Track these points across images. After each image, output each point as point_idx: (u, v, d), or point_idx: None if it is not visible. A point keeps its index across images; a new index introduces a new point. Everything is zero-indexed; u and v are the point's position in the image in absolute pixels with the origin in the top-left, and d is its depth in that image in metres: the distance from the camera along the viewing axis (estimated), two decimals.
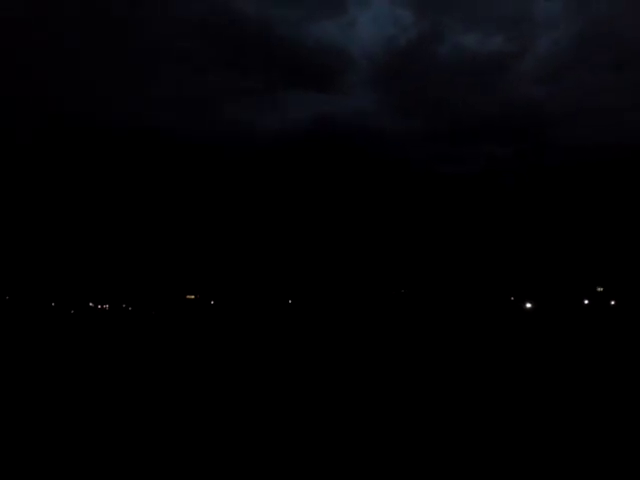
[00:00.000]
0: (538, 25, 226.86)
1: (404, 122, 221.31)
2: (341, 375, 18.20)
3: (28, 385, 17.07)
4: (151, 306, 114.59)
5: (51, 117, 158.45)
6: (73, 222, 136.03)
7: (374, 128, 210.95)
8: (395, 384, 16.25)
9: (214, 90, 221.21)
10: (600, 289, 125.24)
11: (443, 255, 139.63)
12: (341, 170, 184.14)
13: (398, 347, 28.75)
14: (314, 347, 29.51)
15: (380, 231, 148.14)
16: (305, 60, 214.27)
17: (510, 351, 25.91)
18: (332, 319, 69.37)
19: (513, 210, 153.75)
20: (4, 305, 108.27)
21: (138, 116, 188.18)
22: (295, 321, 65.13)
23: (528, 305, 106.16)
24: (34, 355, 26.87)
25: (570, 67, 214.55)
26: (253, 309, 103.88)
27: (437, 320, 62.80)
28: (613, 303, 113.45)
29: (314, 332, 43.93)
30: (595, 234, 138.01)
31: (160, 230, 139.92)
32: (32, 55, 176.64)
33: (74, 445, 10.05)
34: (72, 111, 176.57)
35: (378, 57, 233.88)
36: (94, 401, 14.17)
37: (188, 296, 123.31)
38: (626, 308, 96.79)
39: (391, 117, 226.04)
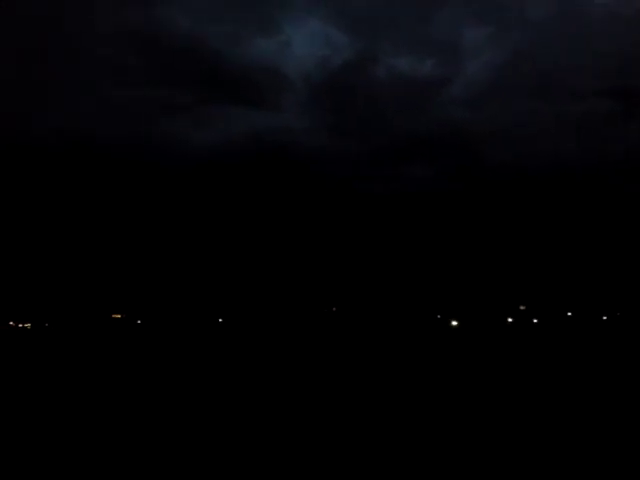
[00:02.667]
0: (466, 51, 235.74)
1: (336, 140, 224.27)
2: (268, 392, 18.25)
3: None
4: (75, 324, 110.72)
5: None
6: None
7: (306, 145, 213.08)
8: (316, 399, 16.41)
9: (148, 105, 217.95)
10: (523, 307, 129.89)
11: (369, 273, 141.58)
12: (273, 185, 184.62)
13: (325, 364, 28.96)
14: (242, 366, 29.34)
15: (305, 247, 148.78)
16: (240, 77, 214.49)
17: (433, 367, 26.56)
18: (263, 337, 69.05)
19: (438, 229, 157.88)
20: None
21: (72, 132, 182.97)
22: (226, 340, 64.48)
23: (454, 323, 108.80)
24: None
25: (493, 92, 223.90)
26: (183, 327, 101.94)
27: (365, 337, 63.50)
28: (535, 321, 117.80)
29: (244, 351, 43.64)
30: (518, 253, 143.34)
31: (92, 247, 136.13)
32: None
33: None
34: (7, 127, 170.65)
35: (313, 76, 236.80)
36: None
37: (114, 315, 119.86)
38: (547, 325, 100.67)
39: (324, 135, 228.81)
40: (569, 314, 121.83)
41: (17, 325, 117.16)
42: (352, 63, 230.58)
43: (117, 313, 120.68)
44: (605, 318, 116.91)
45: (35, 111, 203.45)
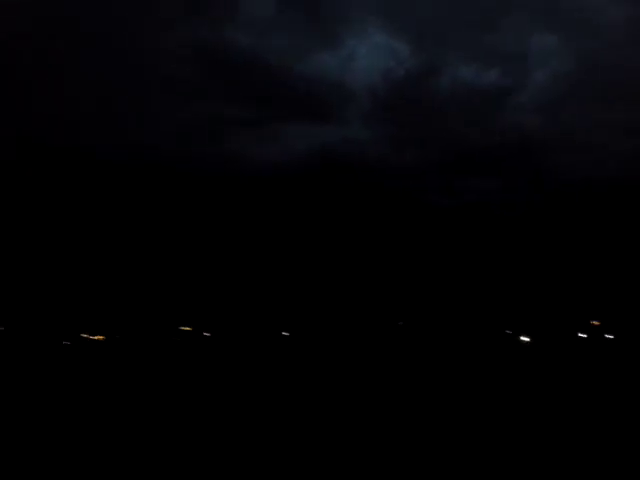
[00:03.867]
0: (532, 59, 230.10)
1: (402, 152, 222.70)
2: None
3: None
4: (146, 336, 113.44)
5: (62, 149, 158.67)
6: (58, 247, 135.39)
7: (371, 159, 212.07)
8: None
9: (212, 121, 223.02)
10: (596, 322, 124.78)
11: (439, 287, 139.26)
12: (338, 199, 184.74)
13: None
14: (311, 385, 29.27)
15: (377, 261, 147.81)
16: (304, 92, 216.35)
17: (507, 384, 25.86)
18: (331, 352, 68.98)
19: (508, 242, 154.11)
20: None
21: (137, 149, 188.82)
22: (292, 355, 64.81)
23: (524, 338, 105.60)
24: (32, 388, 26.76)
25: (561, 100, 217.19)
26: (247, 342, 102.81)
27: (434, 354, 62.55)
28: (609, 337, 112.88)
29: (311, 368, 43.65)
30: (589, 267, 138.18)
31: (160, 259, 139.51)
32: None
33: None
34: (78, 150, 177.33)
35: (377, 89, 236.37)
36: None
37: (183, 327, 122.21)
38: (622, 342, 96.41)
39: (388, 148, 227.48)
40: None
41: (90, 337, 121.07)
42: (416, 74, 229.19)
43: (185, 326, 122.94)
44: None
45: (110, 129, 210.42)
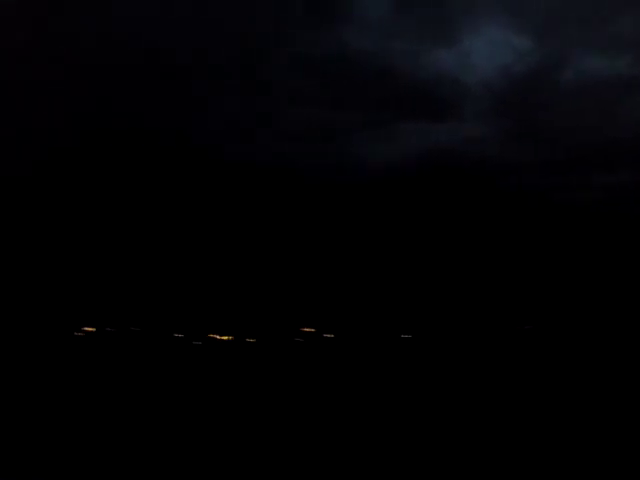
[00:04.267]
0: None
1: (521, 150, 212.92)
2: None
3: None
4: (270, 337, 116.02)
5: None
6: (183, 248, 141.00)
7: (489, 156, 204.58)
8: None
9: (326, 125, 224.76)
10: None
11: (563, 292, 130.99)
12: (454, 198, 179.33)
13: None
14: None
15: (496, 263, 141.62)
16: (419, 91, 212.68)
17: None
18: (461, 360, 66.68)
19: (637, 240, 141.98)
20: (130, 337, 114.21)
21: (250, 154, 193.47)
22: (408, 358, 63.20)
23: None
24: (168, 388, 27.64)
25: None
26: (370, 342, 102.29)
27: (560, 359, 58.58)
28: None
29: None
30: None
31: (277, 261, 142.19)
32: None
33: None
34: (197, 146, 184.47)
35: (494, 85, 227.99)
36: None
37: (305, 329, 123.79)
38: None
39: (507, 145, 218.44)
40: None
41: (218, 337, 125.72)
42: (537, 68, 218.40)
43: (307, 327, 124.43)
44: None
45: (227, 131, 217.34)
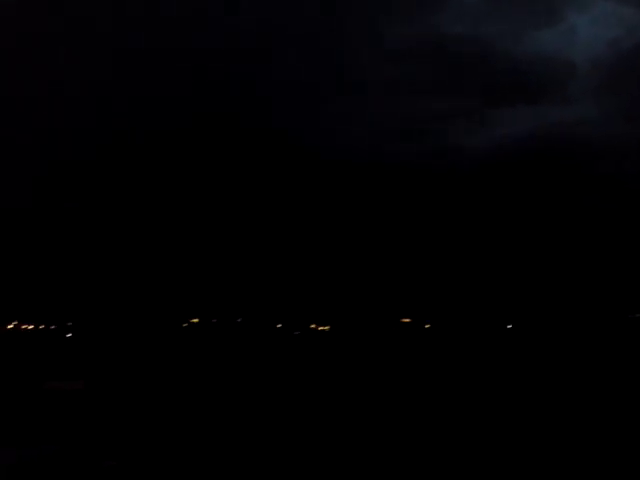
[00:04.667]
0: None
1: (632, 128, 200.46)
2: None
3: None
4: (366, 327, 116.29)
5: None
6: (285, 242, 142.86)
7: (598, 137, 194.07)
8: None
9: (423, 113, 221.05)
10: None
11: None
12: (561, 187, 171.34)
13: None
14: None
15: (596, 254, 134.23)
16: (523, 73, 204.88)
17: None
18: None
19: None
20: (234, 327, 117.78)
21: (346, 146, 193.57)
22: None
23: None
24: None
25: None
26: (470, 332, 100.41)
27: None
28: None
29: None
30: None
31: (371, 253, 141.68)
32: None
33: None
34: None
35: (602, 61, 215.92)
36: None
37: (404, 319, 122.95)
38: None
39: (617, 124, 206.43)
40: None
41: (317, 328, 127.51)
42: None
43: (406, 317, 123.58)
44: None
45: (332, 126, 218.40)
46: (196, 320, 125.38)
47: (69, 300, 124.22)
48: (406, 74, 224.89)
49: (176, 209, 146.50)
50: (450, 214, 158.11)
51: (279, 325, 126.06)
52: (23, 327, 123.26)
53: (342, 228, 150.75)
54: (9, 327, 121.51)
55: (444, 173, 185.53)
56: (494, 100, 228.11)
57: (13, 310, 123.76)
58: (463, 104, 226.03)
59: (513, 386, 25.09)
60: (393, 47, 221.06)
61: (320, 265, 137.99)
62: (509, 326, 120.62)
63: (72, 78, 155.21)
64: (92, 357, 52.99)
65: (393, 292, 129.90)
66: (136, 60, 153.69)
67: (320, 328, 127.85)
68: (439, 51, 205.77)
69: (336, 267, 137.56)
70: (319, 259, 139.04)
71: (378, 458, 10.48)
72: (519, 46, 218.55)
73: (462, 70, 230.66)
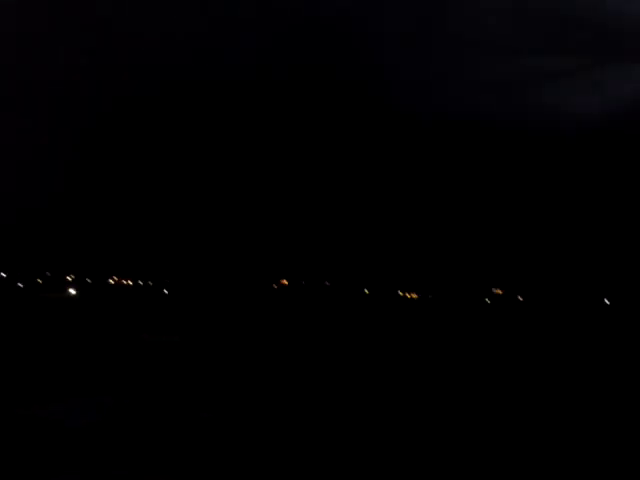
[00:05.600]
0: None
1: None
2: None
3: None
4: (461, 296, 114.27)
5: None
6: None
7: None
8: None
9: (526, 75, 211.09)
10: None
11: None
12: None
13: None
14: None
15: None
16: (629, 29, 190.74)
17: None
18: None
19: None
20: (322, 290, 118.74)
21: (442, 106, 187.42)
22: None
23: None
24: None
25: None
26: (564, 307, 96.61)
27: None
28: None
29: None
30: None
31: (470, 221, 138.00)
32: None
33: None
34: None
35: None
36: None
37: (496, 290, 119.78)
38: None
39: None
40: None
41: (404, 295, 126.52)
42: None
43: (498, 288, 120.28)
44: None
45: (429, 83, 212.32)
46: (285, 282, 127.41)
47: (167, 258, 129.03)
48: (516, 33, 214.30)
49: (273, 167, 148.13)
50: (554, 176, 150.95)
51: (366, 290, 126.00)
52: (123, 282, 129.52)
53: (436, 188, 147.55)
54: (110, 282, 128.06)
55: (551, 134, 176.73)
56: (604, 59, 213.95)
57: (114, 266, 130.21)
58: (573, 63, 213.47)
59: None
60: (502, 6, 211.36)
61: (417, 230, 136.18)
62: (606, 301, 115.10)
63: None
64: (187, 313, 54.74)
65: (484, 260, 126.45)
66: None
67: (409, 295, 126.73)
68: (550, 10, 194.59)
69: (434, 232, 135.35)
70: (415, 223, 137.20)
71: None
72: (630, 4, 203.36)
73: (567, 27, 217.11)
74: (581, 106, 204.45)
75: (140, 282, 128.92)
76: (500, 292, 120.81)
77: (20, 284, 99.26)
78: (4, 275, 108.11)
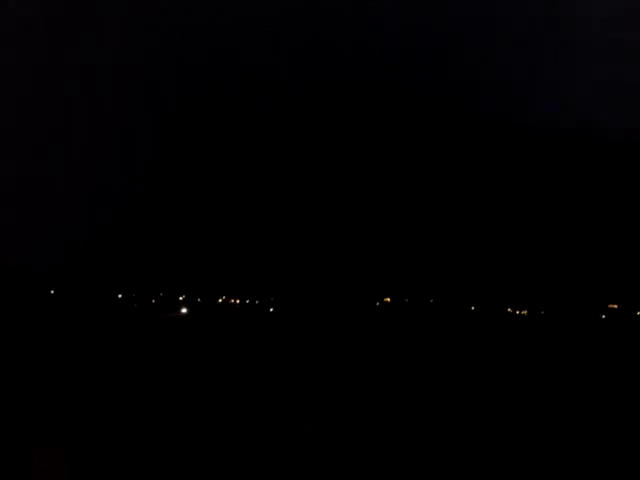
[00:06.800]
0: None
1: None
2: None
3: None
4: (571, 313, 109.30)
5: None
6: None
7: None
8: None
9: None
10: None
11: None
12: None
13: None
14: None
15: None
16: None
17: None
18: None
19: None
20: (425, 307, 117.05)
21: (569, 116, 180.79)
22: None
23: None
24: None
25: None
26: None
27: None
28: None
29: None
30: None
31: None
32: None
33: None
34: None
35: None
36: None
37: (611, 305, 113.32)
38: None
39: None
40: None
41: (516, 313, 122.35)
42: None
43: (613, 303, 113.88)
44: None
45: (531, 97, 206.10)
46: (388, 299, 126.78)
47: (272, 277, 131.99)
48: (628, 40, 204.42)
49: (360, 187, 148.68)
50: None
51: (473, 307, 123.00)
52: (231, 301, 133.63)
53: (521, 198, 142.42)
54: (219, 301, 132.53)
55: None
56: None
57: (222, 285, 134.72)
58: None
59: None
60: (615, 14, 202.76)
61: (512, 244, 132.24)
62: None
63: None
64: (292, 330, 55.67)
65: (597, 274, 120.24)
66: None
67: (518, 312, 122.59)
68: None
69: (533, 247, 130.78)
70: (505, 238, 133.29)
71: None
72: None
73: None
74: None
75: (247, 301, 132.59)
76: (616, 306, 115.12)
77: (136, 304, 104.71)
78: (120, 296, 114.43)
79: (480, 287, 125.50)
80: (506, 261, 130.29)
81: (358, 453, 12.21)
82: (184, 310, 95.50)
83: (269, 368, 25.97)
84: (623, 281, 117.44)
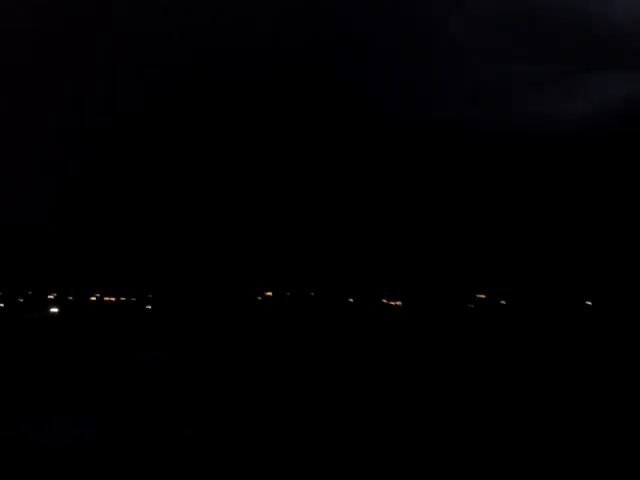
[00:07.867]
0: None
1: None
2: None
3: None
4: (438, 304, 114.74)
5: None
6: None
7: None
8: None
9: (514, 81, 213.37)
10: None
11: None
12: None
13: None
14: None
15: None
16: (610, 39, 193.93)
17: None
18: None
19: None
20: (307, 301, 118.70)
21: (441, 114, 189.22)
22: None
23: None
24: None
25: None
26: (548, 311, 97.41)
27: None
28: None
29: None
30: None
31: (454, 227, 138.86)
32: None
33: None
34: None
35: None
36: None
37: (479, 295, 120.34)
38: None
39: None
40: None
41: (388, 302, 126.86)
42: None
43: (481, 293, 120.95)
44: None
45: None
46: (270, 293, 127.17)
47: (149, 274, 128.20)
48: (501, 41, 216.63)
49: (254, 174, 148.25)
50: (537, 183, 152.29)
51: (351, 299, 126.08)
52: (105, 299, 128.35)
53: (417, 197, 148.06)
54: (92, 299, 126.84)
55: (534, 141, 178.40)
56: (584, 67, 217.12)
57: (96, 283, 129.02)
58: (557, 70, 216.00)
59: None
60: (487, 14, 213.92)
61: (390, 238, 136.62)
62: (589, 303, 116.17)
63: None
64: (171, 328, 54.46)
65: (466, 267, 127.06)
66: None
67: (392, 303, 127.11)
68: (532, 15, 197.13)
69: (410, 240, 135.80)
70: (393, 231, 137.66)
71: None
72: (611, 9, 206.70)
73: (556, 35, 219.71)
74: (565, 112, 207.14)
75: (122, 298, 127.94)
76: (484, 297, 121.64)
77: (1, 304, 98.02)
78: None
79: (358, 280, 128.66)
80: (380, 254, 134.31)
81: (239, 455, 12.13)
82: (54, 309, 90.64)
83: (148, 369, 25.30)
84: (489, 272, 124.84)
